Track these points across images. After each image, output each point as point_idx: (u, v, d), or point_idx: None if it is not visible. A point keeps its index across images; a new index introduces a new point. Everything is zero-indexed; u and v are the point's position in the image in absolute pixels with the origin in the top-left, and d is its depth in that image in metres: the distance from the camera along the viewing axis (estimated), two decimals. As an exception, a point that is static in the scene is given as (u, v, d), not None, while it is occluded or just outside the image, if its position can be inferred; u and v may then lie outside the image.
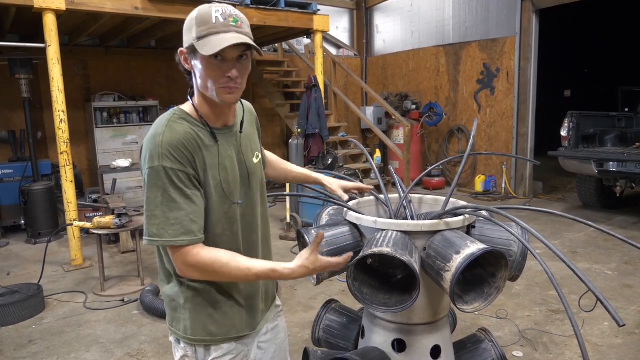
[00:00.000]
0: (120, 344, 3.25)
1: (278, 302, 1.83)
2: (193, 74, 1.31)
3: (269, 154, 1.92)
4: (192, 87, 1.35)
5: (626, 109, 7.58)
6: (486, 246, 1.93)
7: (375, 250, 1.94)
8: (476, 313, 3.56)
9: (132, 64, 7.69)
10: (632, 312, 3.53)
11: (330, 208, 2.63)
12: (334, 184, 1.99)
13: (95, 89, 7.26)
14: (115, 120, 7.01)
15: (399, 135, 8.50)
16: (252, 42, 1.24)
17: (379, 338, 2.36)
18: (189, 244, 1.24)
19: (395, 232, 2.08)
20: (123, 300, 3.86)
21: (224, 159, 1.34)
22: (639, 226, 5.87)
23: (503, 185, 7.90)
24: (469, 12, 8.28)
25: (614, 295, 3.84)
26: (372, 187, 1.95)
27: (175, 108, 1.34)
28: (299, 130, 6.17)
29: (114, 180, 5.92)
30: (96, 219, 3.93)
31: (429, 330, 2.30)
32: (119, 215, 3.95)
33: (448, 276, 1.92)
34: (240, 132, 1.42)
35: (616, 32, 11.57)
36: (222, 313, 1.42)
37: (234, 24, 1.23)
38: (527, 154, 7.64)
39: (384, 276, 2.15)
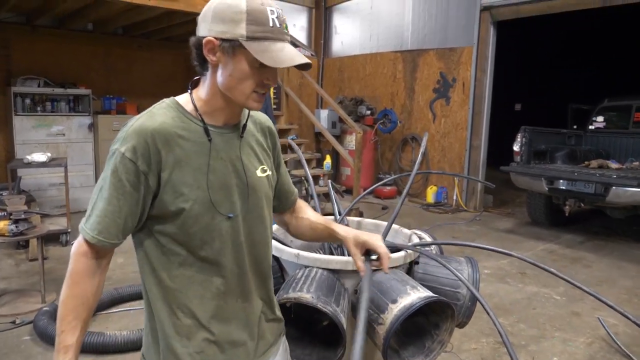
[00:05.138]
0: (0, 379, 2.70)
1: (282, 345, 1.41)
2: (214, 68, 1.14)
3: (303, 204, 1.54)
4: (195, 79, 1.21)
5: (574, 126, 7.60)
6: (429, 294, 1.58)
7: (292, 295, 1.54)
8: None
9: (64, 47, 6.93)
10: (580, 345, 3.32)
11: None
12: (349, 240, 1.37)
13: (17, 72, 6.47)
14: (39, 109, 6.26)
15: (352, 140, 8.18)
16: (309, 61, 1.14)
17: (301, 392, 1.98)
18: (97, 244, 1.09)
19: (320, 271, 1.70)
20: (14, 322, 3.28)
21: (215, 160, 1.16)
22: (585, 245, 5.80)
23: (454, 198, 7.75)
24: (429, 19, 8.08)
25: (563, 324, 3.63)
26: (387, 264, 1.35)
27: (170, 98, 1.21)
28: (243, 131, 5.71)
29: (19, 178, 5.20)
30: (-13, 224, 3.34)
31: (360, 384, 1.94)
32: (16, 221, 3.37)
33: (381, 330, 1.55)
34: (241, 136, 1.23)
35: (567, 49, 11.79)
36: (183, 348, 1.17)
37: (286, 30, 1.13)
38: (479, 166, 7.52)
39: (305, 322, 1.76)
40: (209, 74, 1.15)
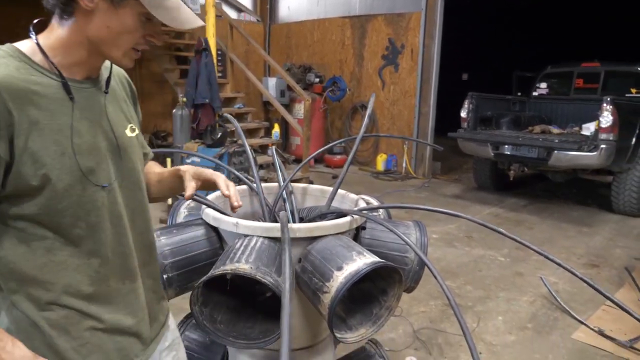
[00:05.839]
0: None
1: (171, 323, 1.34)
2: (86, 15, 0.91)
3: (151, 162, 1.35)
4: (37, 21, 0.95)
5: (519, 93, 7.78)
6: (376, 259, 1.49)
7: (229, 267, 1.41)
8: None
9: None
10: (524, 304, 3.42)
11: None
12: (189, 172, 1.25)
13: None
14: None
15: (301, 109, 8.01)
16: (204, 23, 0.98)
17: (245, 367, 1.88)
18: None
19: (261, 239, 1.57)
20: None
21: (80, 121, 0.96)
22: (528, 209, 6.00)
23: (404, 165, 7.80)
24: (376, -16, 7.92)
25: (507, 285, 3.73)
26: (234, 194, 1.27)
27: (7, 45, 0.93)
28: (184, 99, 5.41)
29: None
30: None
31: (308, 355, 1.85)
32: None
33: (326, 299, 1.45)
34: (106, 91, 1.04)
35: (513, 16, 11.99)
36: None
37: None
38: (427, 133, 7.58)
39: (247, 294, 1.65)
40: (72, 19, 0.92)
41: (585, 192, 6.73)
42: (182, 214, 2.04)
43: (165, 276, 1.64)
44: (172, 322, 1.34)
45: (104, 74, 1.06)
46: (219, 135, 5.00)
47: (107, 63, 1.07)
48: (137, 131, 1.14)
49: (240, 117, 6.82)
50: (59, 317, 0.96)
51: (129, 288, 1.07)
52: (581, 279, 1.52)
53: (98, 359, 1.02)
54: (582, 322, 3.10)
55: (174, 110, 5.42)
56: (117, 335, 1.04)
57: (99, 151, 0.99)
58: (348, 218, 1.67)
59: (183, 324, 2.19)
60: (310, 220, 1.84)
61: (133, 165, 1.09)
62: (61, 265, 0.96)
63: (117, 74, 1.15)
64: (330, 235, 1.61)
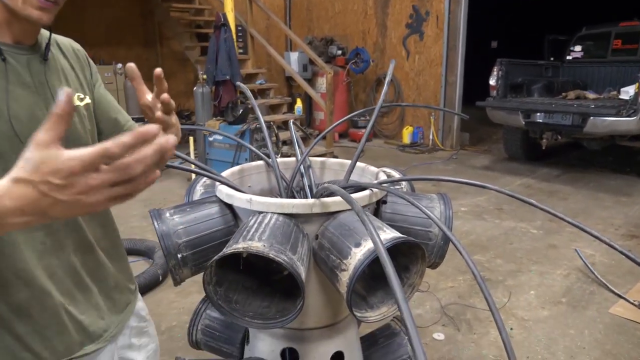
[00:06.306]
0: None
1: (140, 301, 1.33)
2: None
3: None
4: None
5: (551, 58, 7.40)
6: (396, 235, 1.40)
7: (241, 245, 1.35)
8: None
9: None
10: (558, 278, 3.28)
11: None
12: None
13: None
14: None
15: (324, 83, 7.86)
16: None
17: (265, 346, 1.83)
18: None
19: (275, 216, 1.51)
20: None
21: (16, 85, 0.91)
22: (561, 179, 5.77)
23: (430, 137, 7.61)
24: (399, -52, 7.60)
25: (540, 258, 3.59)
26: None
27: None
28: (204, 76, 5.36)
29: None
30: None
31: (329, 334, 1.80)
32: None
33: (344, 277, 1.38)
34: (45, 59, 0.98)
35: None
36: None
37: None
38: (455, 103, 7.33)
39: (263, 273, 1.59)
40: None
41: (624, 160, 6.41)
42: (199, 192, 1.98)
43: (179, 255, 1.60)
44: (141, 300, 1.34)
45: (44, 41, 0.99)
46: (240, 112, 4.94)
47: (45, 32, 1.00)
48: (87, 100, 1.07)
49: (262, 93, 6.74)
50: (19, 301, 0.92)
51: (81, 260, 1.03)
52: (620, 251, 1.40)
53: (61, 342, 0.98)
54: (620, 296, 2.96)
55: (194, 88, 5.38)
56: (78, 314, 1.01)
57: (38, 119, 0.91)
58: (367, 192, 1.58)
59: (204, 302, 2.17)
60: (327, 195, 1.76)
61: (79, 136, 1.02)
62: (12, 245, 0.89)
63: (64, 45, 1.09)
64: (348, 210, 1.53)
